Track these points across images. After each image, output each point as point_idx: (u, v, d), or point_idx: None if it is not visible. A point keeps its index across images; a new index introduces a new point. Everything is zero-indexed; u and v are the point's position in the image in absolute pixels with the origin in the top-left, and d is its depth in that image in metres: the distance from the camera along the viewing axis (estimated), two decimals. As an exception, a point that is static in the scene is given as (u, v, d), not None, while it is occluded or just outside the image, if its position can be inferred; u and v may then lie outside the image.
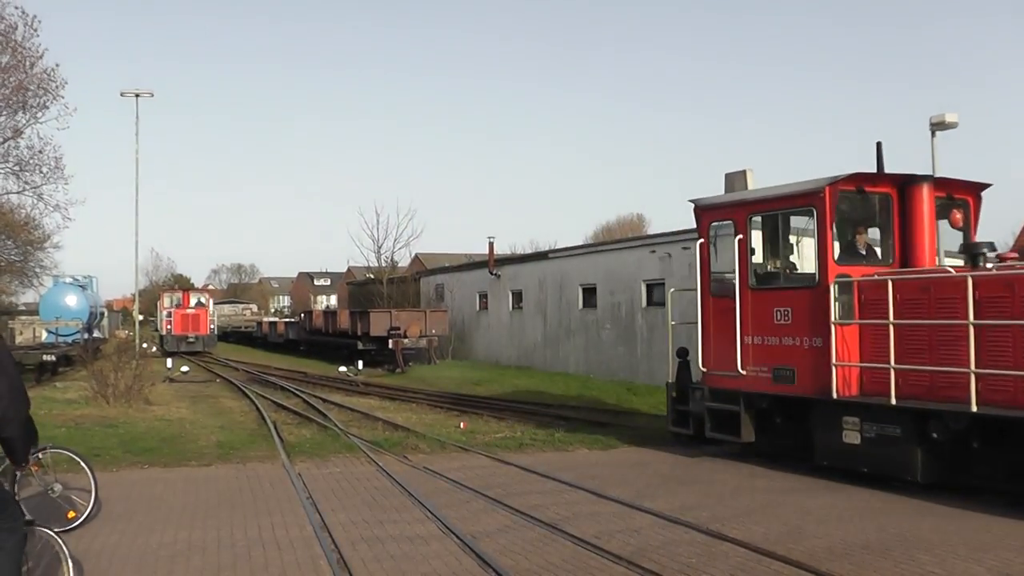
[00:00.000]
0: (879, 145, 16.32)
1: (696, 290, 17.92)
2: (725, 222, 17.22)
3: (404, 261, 75.92)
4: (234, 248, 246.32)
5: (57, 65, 48.40)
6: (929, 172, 18.42)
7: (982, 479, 13.55)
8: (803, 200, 15.64)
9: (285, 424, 23.28)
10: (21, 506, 7.63)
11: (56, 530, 8.02)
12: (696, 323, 17.72)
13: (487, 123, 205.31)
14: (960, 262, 14.98)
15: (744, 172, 17.22)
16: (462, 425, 22.62)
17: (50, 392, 29.91)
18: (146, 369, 28.92)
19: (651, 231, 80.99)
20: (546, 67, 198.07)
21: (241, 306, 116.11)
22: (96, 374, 26.89)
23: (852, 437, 14.60)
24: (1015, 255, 15.16)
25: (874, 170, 15.98)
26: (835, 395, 14.72)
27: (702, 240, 17.69)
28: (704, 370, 17.39)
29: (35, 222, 49.06)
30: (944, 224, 15.99)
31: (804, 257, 16.59)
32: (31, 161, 43.84)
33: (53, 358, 37.84)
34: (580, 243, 68.01)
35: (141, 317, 71.33)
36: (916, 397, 13.90)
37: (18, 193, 45.49)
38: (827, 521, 11.93)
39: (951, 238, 16.11)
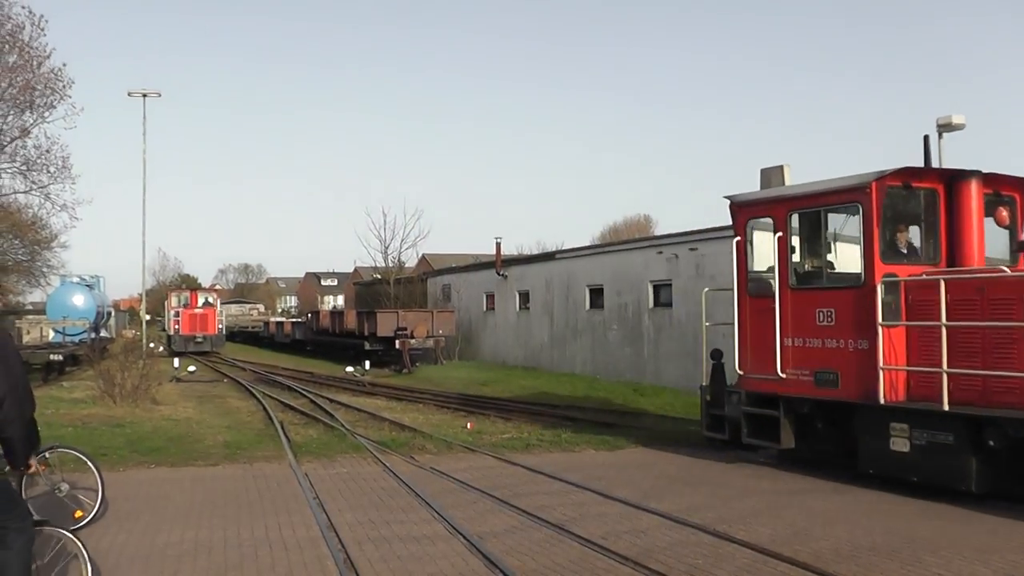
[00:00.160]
0: (926, 139, 15.87)
1: (731, 290, 17.35)
2: (763, 219, 16.68)
3: (411, 261, 76.15)
4: (241, 248, 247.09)
5: (64, 64, 48.69)
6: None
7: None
8: (848, 196, 14.97)
9: (292, 424, 23.30)
10: (29, 506, 7.62)
11: (70, 529, 8.04)
12: (731, 324, 17.11)
13: (494, 124, 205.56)
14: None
15: (781, 168, 16.71)
16: (469, 425, 22.61)
17: (57, 391, 29.97)
18: (153, 369, 28.94)
19: (658, 232, 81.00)
20: (553, 67, 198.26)
21: (248, 306, 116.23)
22: (103, 374, 26.90)
23: (900, 444, 13.93)
24: None
25: (899, 166, 14.92)
26: (882, 400, 14.12)
27: (739, 238, 17.07)
28: (740, 373, 16.75)
29: (42, 222, 49.18)
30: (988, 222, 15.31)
31: (848, 255, 15.61)
32: (38, 161, 43.97)
33: (60, 357, 37.89)
34: (587, 244, 68.03)
35: (148, 317, 71.31)
36: (970, 403, 13.27)
37: (25, 193, 45.64)
38: (833, 523, 11.91)
39: (992, 236, 15.46)
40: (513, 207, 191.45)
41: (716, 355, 18.08)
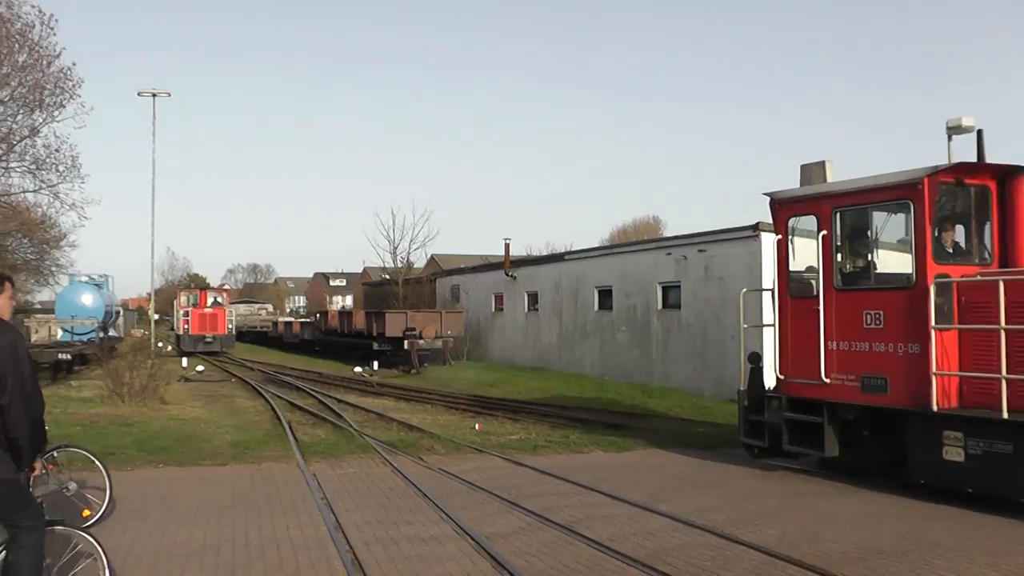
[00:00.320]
0: (980, 133, 15.14)
1: (768, 290, 16.93)
2: (806, 217, 16.03)
3: (420, 262, 76.05)
4: (250, 248, 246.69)
5: (74, 64, 48.70)
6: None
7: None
8: (898, 192, 14.33)
9: (300, 424, 23.31)
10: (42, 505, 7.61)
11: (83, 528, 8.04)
12: (771, 326, 16.61)
13: (503, 124, 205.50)
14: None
15: (823, 163, 16.12)
16: (477, 426, 22.62)
17: (65, 391, 30.01)
18: (161, 368, 28.95)
19: (667, 233, 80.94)
20: (562, 68, 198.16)
21: (256, 306, 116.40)
22: (111, 373, 26.95)
23: (954, 454, 13.19)
24: None
25: (952, 162, 14.42)
26: (935, 407, 13.45)
27: (779, 237, 16.48)
28: (781, 377, 16.15)
29: (51, 221, 49.20)
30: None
31: (897, 255, 14.96)
32: (48, 160, 43.91)
33: (68, 357, 37.91)
34: (596, 245, 68.01)
35: (156, 316, 71.41)
36: None
37: (34, 192, 45.58)
38: (842, 525, 11.89)
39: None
40: (522, 208, 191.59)
41: (754, 358, 17.52)
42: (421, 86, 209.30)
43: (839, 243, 15.38)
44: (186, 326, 63.21)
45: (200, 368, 43.36)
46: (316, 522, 11.89)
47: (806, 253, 15.99)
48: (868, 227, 15.22)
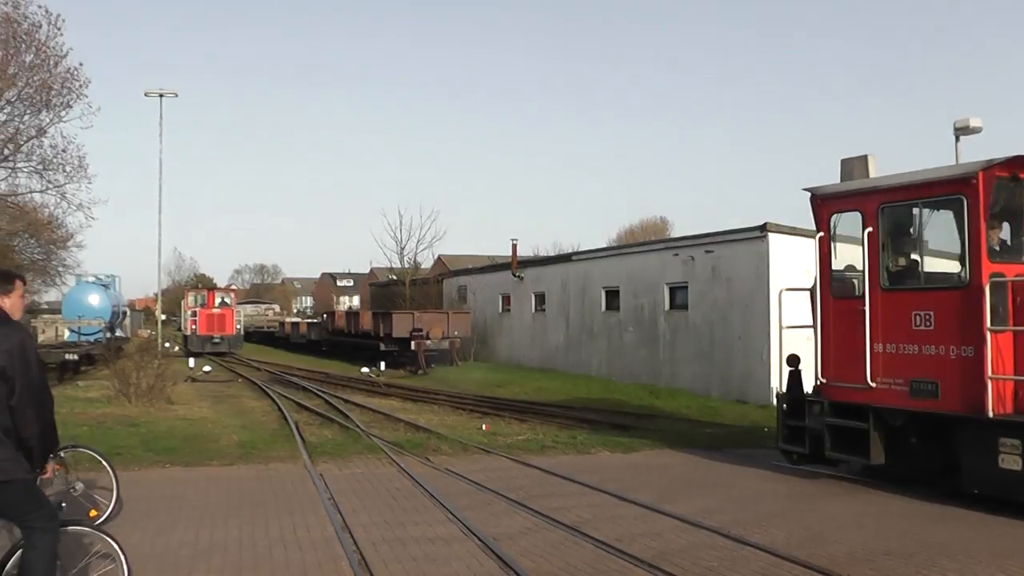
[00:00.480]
0: None
1: (806, 290, 16.37)
2: (850, 213, 15.23)
3: (427, 262, 76.08)
4: (257, 248, 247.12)
5: (81, 64, 48.67)
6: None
7: None
8: (950, 187, 13.62)
9: (307, 424, 23.31)
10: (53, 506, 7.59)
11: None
12: (811, 327, 15.95)
13: (510, 125, 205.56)
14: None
15: (865, 158, 15.38)
16: (484, 427, 22.60)
17: (72, 391, 30.04)
18: (168, 368, 29.00)
19: (674, 234, 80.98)
20: (569, 68, 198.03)
21: (263, 306, 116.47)
22: (118, 373, 26.97)
23: (1011, 462, 12.57)
24: None
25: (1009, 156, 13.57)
26: (990, 413, 12.81)
27: (821, 234, 15.66)
28: (823, 381, 15.40)
29: (58, 221, 49.19)
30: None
31: (948, 253, 14.25)
32: (54, 160, 44.07)
33: (75, 357, 37.96)
34: (603, 246, 67.93)
35: (163, 317, 71.39)
36: None
37: (41, 192, 45.70)
38: (848, 526, 11.88)
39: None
40: (529, 209, 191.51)
41: (793, 361, 16.67)
42: (428, 86, 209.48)
43: (886, 241, 14.63)
44: (194, 326, 62.77)
45: (207, 368, 43.38)
46: (323, 522, 11.90)
47: (854, 251, 15.24)
48: (917, 224, 14.58)
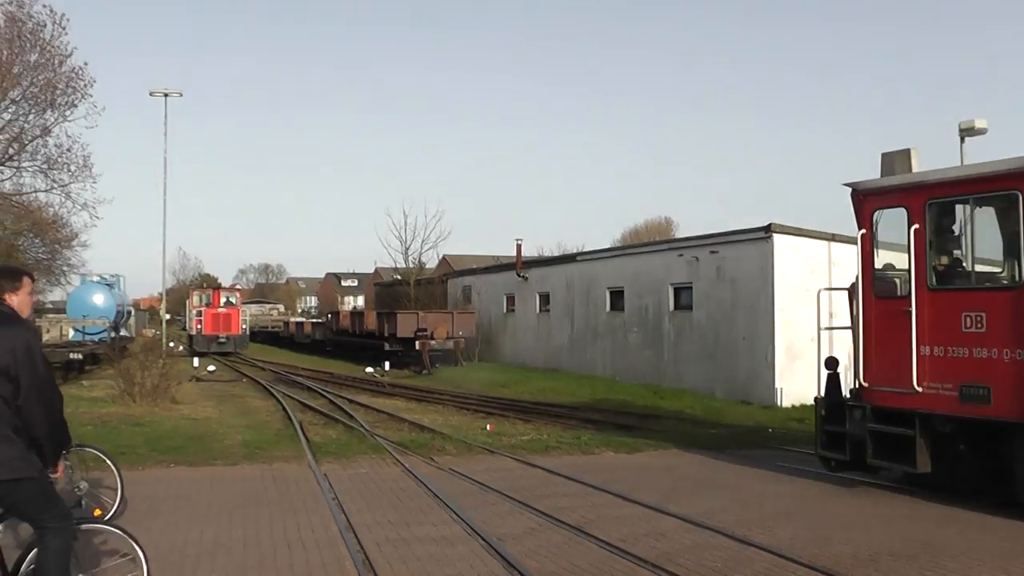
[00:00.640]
0: None
1: (843, 289, 15.90)
2: (895, 209, 14.43)
3: (432, 262, 76.17)
4: (261, 248, 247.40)
5: (86, 64, 48.65)
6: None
7: None
8: (1004, 182, 12.97)
9: (311, 424, 23.31)
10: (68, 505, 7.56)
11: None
12: (850, 328, 15.40)
13: (515, 125, 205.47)
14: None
15: (908, 151, 14.69)
16: (488, 427, 22.60)
17: (77, 390, 30.06)
18: (173, 368, 29.03)
19: (679, 235, 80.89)
20: (574, 69, 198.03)
21: (268, 306, 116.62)
22: (123, 373, 27.00)
23: None
24: None
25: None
26: None
27: (863, 231, 14.77)
28: (865, 385, 14.59)
29: (63, 220, 49.19)
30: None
31: (1001, 251, 13.64)
32: (59, 159, 44.02)
33: (80, 356, 37.99)
34: (608, 246, 67.93)
35: (168, 316, 71.42)
36: None
37: (46, 191, 45.65)
38: (853, 527, 11.86)
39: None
40: (534, 209, 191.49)
41: (831, 363, 15.85)
42: (434, 86, 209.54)
43: (933, 238, 13.87)
44: (199, 326, 62.69)
45: (211, 368, 43.43)
46: (327, 522, 11.90)
47: (899, 249, 14.47)
48: (967, 220, 13.77)
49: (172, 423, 22.26)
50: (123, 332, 56.67)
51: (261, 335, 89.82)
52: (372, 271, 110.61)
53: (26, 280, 7.14)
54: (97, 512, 11.21)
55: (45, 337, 45.96)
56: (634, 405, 29.56)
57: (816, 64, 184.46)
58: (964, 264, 13.96)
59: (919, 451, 13.47)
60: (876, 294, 14.64)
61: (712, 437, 21.03)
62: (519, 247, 52.46)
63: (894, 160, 14.81)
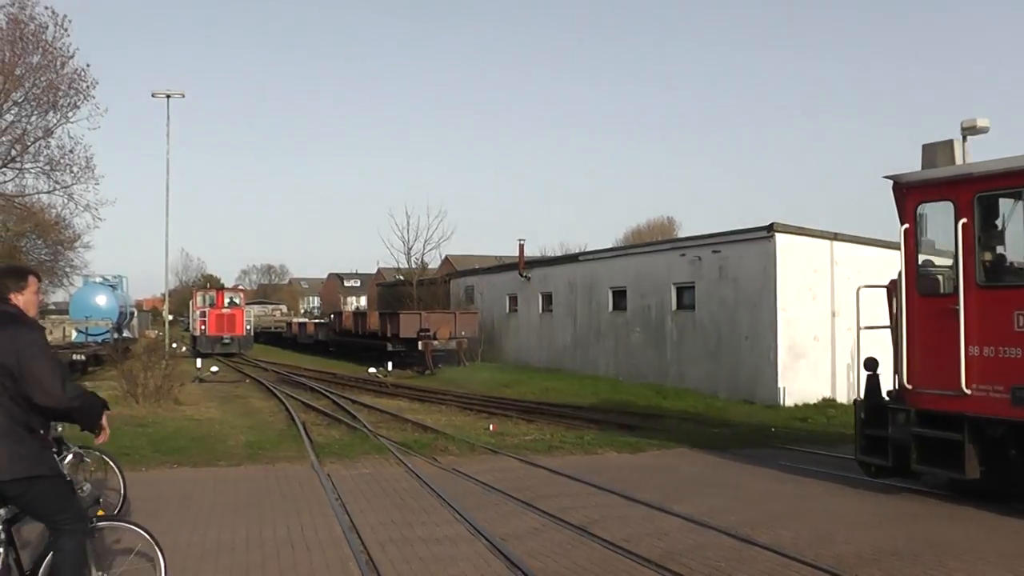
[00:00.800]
0: None
1: (882, 287, 15.21)
2: (940, 203, 13.76)
3: (434, 263, 76.05)
4: (264, 249, 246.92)
5: (88, 65, 48.77)
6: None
7: None
8: None
9: (314, 425, 23.34)
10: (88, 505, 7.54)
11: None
12: (890, 328, 14.76)
13: (518, 125, 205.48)
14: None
15: (951, 143, 14.07)
16: (491, 427, 22.62)
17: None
18: (175, 369, 29.01)
19: (681, 234, 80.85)
20: (577, 68, 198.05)
21: (271, 307, 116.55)
22: (126, 374, 27.01)
23: None
24: None
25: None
26: None
27: (906, 225, 14.05)
28: (908, 387, 13.91)
29: (65, 222, 49.11)
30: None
31: None
32: (62, 161, 44.05)
33: (83, 357, 38.05)
34: (610, 246, 67.93)
35: (171, 317, 71.38)
36: None
37: (49, 193, 45.68)
38: (856, 526, 11.85)
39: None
40: (536, 209, 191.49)
41: (871, 364, 15.13)
42: (437, 86, 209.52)
43: (982, 233, 13.21)
44: (203, 327, 62.39)
45: (214, 369, 43.40)
46: (330, 523, 11.91)
47: (944, 244, 13.92)
48: (1019, 214, 13.22)
49: (175, 424, 22.28)
50: (126, 333, 56.67)
51: (264, 336, 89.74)
52: (375, 271, 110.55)
53: (32, 280, 7.11)
54: (100, 513, 11.21)
55: (48, 339, 45.91)
56: (637, 405, 29.58)
57: (819, 64, 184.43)
58: (1016, 260, 13.40)
59: (968, 456, 12.86)
60: (920, 292, 13.97)
61: (715, 437, 21.03)
62: (521, 247, 52.46)
63: (936, 152, 14.22)
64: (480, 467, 16.34)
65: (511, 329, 52.34)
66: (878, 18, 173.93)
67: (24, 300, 6.96)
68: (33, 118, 43.63)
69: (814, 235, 31.15)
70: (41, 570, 6.84)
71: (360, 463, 16.92)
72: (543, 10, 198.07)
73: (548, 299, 48.12)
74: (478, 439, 19.96)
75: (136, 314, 71.34)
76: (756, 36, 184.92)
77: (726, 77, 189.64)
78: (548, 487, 14.57)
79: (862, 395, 15.09)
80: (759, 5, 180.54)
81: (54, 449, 7.53)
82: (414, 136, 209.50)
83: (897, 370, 14.33)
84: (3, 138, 43.26)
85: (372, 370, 43.41)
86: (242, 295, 69.53)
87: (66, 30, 42.14)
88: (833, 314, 30.28)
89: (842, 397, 29.59)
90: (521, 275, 50.65)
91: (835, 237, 30.97)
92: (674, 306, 37.00)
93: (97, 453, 12.07)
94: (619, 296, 41.24)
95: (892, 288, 14.88)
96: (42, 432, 6.76)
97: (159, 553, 7.49)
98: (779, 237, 30.50)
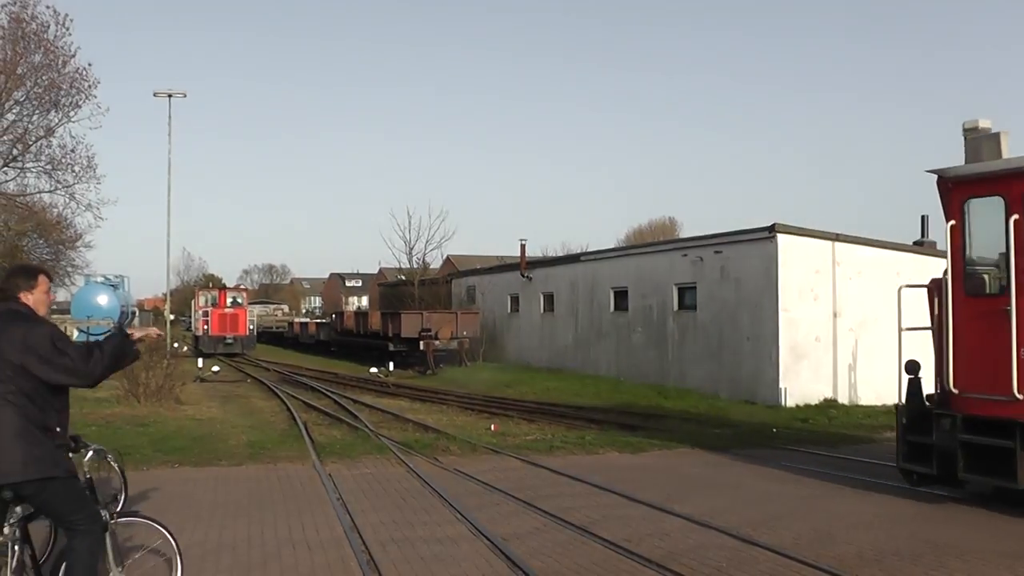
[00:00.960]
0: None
1: (923, 286, 14.68)
2: (989, 198, 13.01)
3: (436, 263, 76.16)
4: (265, 249, 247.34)
5: (90, 64, 48.75)
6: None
7: None
8: None
9: (316, 424, 23.35)
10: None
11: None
12: (932, 329, 14.25)
13: (519, 125, 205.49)
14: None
15: (997, 135, 13.50)
16: (493, 427, 22.62)
17: (80, 391, 29.95)
18: (177, 368, 29.02)
19: (683, 235, 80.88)
20: (578, 68, 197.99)
21: (272, 306, 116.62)
22: (127, 373, 26.95)
23: None
24: None
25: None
26: None
27: (953, 222, 13.32)
28: (954, 391, 13.12)
29: (67, 221, 49.06)
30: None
31: None
32: (63, 160, 43.96)
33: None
34: (612, 246, 67.90)
35: (172, 317, 71.38)
36: None
37: (50, 192, 45.62)
38: (857, 527, 11.85)
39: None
40: (538, 209, 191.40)
41: (912, 367, 14.43)
42: (438, 86, 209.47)
43: None
44: (205, 327, 62.06)
45: (216, 368, 43.42)
46: (332, 522, 11.91)
47: (993, 242, 13.15)
48: None
49: (176, 423, 22.29)
50: (127, 333, 56.53)
51: (265, 335, 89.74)
52: (376, 271, 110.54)
53: (42, 278, 7.12)
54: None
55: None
56: (638, 405, 29.59)
57: (819, 63, 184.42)
58: None
59: (1020, 465, 12.13)
60: (967, 292, 13.22)
61: (716, 437, 21.03)
62: (523, 247, 52.44)
63: (981, 145, 13.66)
64: (481, 467, 16.34)
65: (512, 329, 52.35)
66: (882, 17, 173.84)
67: (34, 299, 6.98)
68: (35, 117, 43.66)
69: (816, 236, 31.14)
70: (61, 570, 6.83)
71: (361, 463, 16.92)
72: (544, 10, 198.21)
73: (550, 299, 48.13)
74: (479, 439, 19.96)
75: (137, 314, 71.34)
76: (760, 36, 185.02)
77: (729, 77, 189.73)
78: (549, 487, 14.57)
79: (903, 400, 14.45)
80: (763, 4, 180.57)
81: (71, 447, 7.49)
82: (416, 136, 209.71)
83: (940, 374, 13.73)
84: (5, 137, 43.26)
85: (374, 370, 43.44)
86: (245, 295, 69.26)
87: (68, 29, 42.17)
88: (835, 315, 30.28)
89: (843, 398, 29.64)
90: (523, 275, 50.66)
91: (837, 238, 30.96)
92: (676, 306, 37.00)
93: (99, 451, 12.07)
94: (620, 296, 41.25)
95: (935, 288, 14.28)
96: (59, 430, 6.77)
97: (176, 549, 7.52)
98: (781, 238, 30.50)
